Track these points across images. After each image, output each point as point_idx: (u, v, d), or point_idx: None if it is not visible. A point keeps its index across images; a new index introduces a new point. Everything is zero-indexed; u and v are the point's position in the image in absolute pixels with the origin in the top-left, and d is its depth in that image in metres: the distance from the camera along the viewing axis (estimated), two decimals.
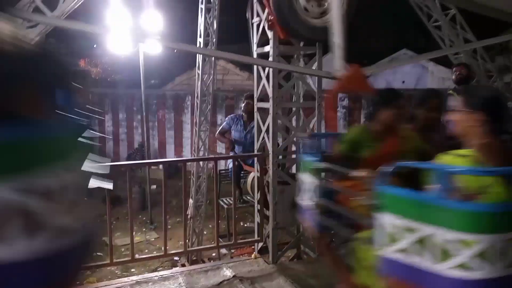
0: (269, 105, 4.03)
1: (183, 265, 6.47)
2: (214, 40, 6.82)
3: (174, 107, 12.64)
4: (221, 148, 11.19)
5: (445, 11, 6.97)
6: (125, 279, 3.72)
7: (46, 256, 0.67)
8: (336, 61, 3.07)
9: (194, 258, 6.84)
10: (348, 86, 3.08)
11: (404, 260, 1.69)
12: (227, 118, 6.13)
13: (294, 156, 4.40)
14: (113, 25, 7.33)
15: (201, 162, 7.13)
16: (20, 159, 0.67)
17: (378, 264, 1.82)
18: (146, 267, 6.83)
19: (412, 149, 2.50)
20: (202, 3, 6.74)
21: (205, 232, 7.59)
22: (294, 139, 4.25)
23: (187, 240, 4.60)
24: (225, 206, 5.90)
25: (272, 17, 3.72)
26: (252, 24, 4.21)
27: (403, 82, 12.50)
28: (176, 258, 7.05)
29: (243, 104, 5.82)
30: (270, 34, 3.90)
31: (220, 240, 5.00)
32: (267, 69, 4.03)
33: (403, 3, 7.12)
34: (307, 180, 2.62)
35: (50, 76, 0.74)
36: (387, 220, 1.76)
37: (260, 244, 4.37)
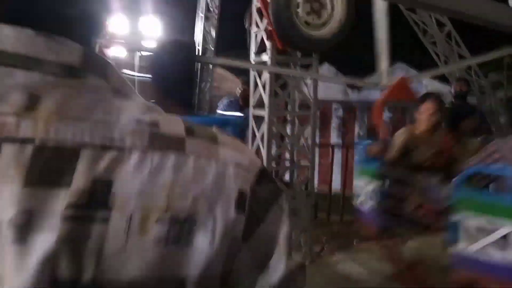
0: (264, 112, 4.07)
1: None
2: (213, 48, 6.87)
3: None
4: None
5: (440, 27, 7.09)
6: None
7: None
8: (382, 72, 3.29)
9: None
10: (394, 96, 3.24)
11: (481, 257, 1.85)
12: (222, 101, 5.92)
13: (287, 164, 4.44)
14: (110, 30, 7.36)
15: None
16: None
17: (451, 260, 2.00)
18: None
19: None
20: (202, 12, 6.80)
21: None
22: (289, 147, 4.30)
23: None
24: None
25: (270, 28, 3.78)
26: (250, 33, 4.27)
27: None
28: None
29: (240, 90, 5.69)
30: (268, 43, 3.96)
31: None
32: (263, 77, 4.08)
33: (400, 18, 7.24)
34: (367, 184, 2.83)
35: None
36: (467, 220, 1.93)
37: None
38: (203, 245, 0.31)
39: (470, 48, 7.13)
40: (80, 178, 0.29)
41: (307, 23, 3.69)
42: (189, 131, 0.34)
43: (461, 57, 7.18)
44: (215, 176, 0.33)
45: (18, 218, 0.27)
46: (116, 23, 7.71)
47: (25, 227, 0.27)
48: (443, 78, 10.59)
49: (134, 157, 0.31)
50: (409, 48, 14.90)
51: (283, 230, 0.37)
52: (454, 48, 7.16)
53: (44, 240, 0.27)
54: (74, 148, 0.29)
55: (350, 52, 13.58)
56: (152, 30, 8.19)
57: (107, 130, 0.31)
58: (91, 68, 0.34)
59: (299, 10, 3.67)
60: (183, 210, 0.31)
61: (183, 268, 0.31)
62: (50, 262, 0.27)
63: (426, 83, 13.18)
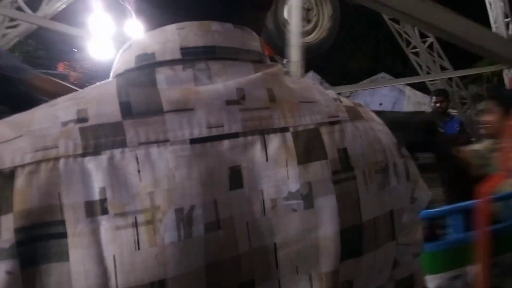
0: None
1: None
2: None
3: None
4: None
5: (423, 38, 7.22)
6: None
7: None
8: None
9: None
10: None
11: None
12: None
13: None
14: (95, 30, 7.27)
15: None
16: None
17: None
18: None
19: None
20: None
21: None
22: None
23: None
24: None
25: None
26: None
27: (381, 104, 12.76)
28: None
29: None
30: None
31: None
32: None
33: (383, 28, 7.34)
34: None
35: None
36: None
37: None
38: (395, 184, 0.40)
39: (452, 59, 7.27)
40: (330, 150, 0.36)
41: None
42: (355, 104, 0.43)
43: (443, 68, 7.31)
44: (383, 133, 0.41)
45: (303, 189, 0.34)
46: (102, 24, 7.62)
47: (309, 195, 0.34)
48: (424, 89, 10.77)
49: (350, 126, 0.38)
50: (392, 58, 15.16)
51: None
52: (436, 59, 7.29)
53: (328, 201, 0.34)
54: (316, 129, 0.36)
55: (334, 62, 13.72)
56: (138, 32, 8.09)
57: (328, 109, 0.38)
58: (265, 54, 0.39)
59: (286, 16, 3.67)
60: (383, 161, 0.39)
61: (389, 204, 0.39)
62: (337, 216, 0.35)
63: (408, 93, 13.39)
